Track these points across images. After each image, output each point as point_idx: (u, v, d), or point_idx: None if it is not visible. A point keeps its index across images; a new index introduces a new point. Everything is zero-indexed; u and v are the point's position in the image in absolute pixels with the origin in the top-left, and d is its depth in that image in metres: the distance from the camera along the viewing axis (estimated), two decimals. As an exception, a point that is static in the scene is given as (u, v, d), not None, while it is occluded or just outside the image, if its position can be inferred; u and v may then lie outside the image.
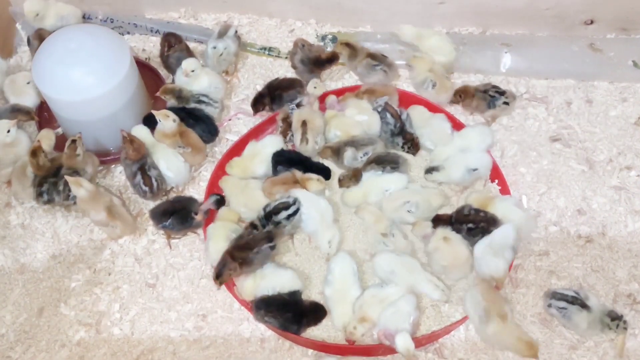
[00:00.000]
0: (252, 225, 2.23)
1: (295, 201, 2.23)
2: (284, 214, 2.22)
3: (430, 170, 2.39)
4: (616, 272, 2.26)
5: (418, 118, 2.51)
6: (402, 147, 2.46)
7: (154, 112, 2.40)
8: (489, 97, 2.53)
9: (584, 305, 2.08)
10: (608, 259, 2.29)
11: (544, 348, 2.12)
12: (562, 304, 2.10)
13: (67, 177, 2.26)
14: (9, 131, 2.44)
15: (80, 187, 2.24)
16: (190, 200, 2.35)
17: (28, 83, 2.62)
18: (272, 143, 2.46)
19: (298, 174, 2.33)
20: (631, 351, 2.11)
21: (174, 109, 2.48)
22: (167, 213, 2.30)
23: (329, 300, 2.14)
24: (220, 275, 2.11)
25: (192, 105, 2.55)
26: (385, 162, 2.36)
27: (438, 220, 2.26)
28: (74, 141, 2.36)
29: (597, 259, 2.29)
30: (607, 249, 2.31)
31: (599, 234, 2.34)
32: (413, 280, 2.14)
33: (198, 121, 2.50)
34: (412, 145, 2.45)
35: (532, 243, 2.32)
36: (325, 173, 2.41)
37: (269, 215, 2.23)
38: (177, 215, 2.29)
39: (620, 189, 2.44)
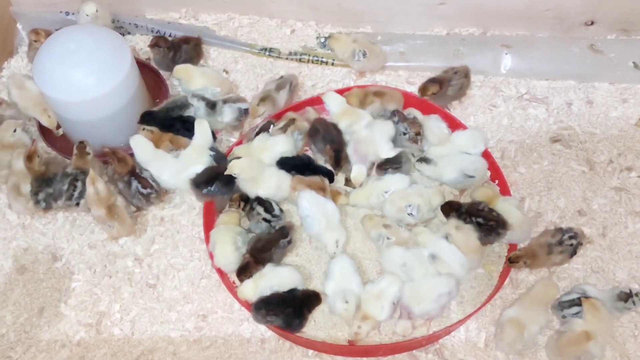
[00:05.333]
0: (242, 198, 2.30)
1: (279, 216, 2.28)
2: (260, 209, 2.27)
3: (421, 160, 2.39)
4: (616, 273, 2.26)
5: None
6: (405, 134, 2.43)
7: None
8: (569, 247, 2.18)
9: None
10: (608, 260, 2.29)
11: (545, 349, 2.12)
12: (575, 309, 2.08)
13: (89, 177, 2.26)
14: (15, 130, 2.48)
15: (92, 185, 2.25)
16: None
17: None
18: (283, 142, 2.41)
19: (326, 182, 2.34)
20: (631, 352, 2.11)
21: (169, 119, 2.48)
22: (212, 178, 2.29)
23: (329, 299, 2.14)
24: (243, 275, 2.17)
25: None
26: (387, 164, 2.36)
27: (449, 206, 2.25)
28: (81, 142, 2.37)
29: (597, 260, 2.29)
30: (607, 250, 2.31)
31: (599, 235, 2.34)
32: (425, 271, 2.14)
33: (192, 131, 2.48)
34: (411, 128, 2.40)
35: (532, 244, 2.32)
36: (330, 175, 2.40)
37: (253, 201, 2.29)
38: (221, 178, 2.29)
39: (620, 190, 2.44)
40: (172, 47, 2.70)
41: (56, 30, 2.54)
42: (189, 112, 2.52)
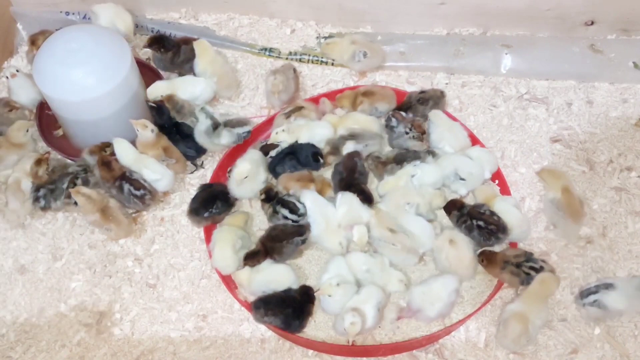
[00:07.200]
0: (266, 192, 2.29)
1: (305, 213, 2.24)
2: (284, 211, 2.24)
3: (428, 152, 2.39)
4: (617, 273, 2.26)
5: (442, 120, 2.46)
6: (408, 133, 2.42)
7: (132, 121, 2.37)
8: (524, 275, 2.12)
9: (608, 286, 2.09)
10: (608, 260, 2.29)
11: (544, 349, 2.12)
12: (592, 297, 2.09)
13: (71, 190, 2.29)
14: (27, 131, 2.51)
15: (77, 195, 2.27)
16: (218, 185, 2.36)
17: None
18: (324, 125, 2.45)
19: (313, 174, 2.35)
20: (631, 352, 2.11)
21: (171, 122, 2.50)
22: (210, 199, 2.29)
23: (321, 281, 2.15)
24: (249, 261, 2.16)
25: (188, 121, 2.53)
26: (409, 159, 2.35)
27: (452, 204, 2.26)
28: (39, 160, 2.40)
29: (597, 260, 2.29)
30: (607, 250, 2.31)
31: (599, 235, 2.34)
32: (386, 279, 2.16)
33: (185, 138, 2.49)
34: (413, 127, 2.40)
35: (532, 244, 2.32)
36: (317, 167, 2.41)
37: (278, 201, 2.27)
38: (220, 198, 2.29)
39: (620, 190, 2.44)
40: (172, 47, 2.69)
41: (56, 30, 2.54)
42: (190, 122, 2.52)
